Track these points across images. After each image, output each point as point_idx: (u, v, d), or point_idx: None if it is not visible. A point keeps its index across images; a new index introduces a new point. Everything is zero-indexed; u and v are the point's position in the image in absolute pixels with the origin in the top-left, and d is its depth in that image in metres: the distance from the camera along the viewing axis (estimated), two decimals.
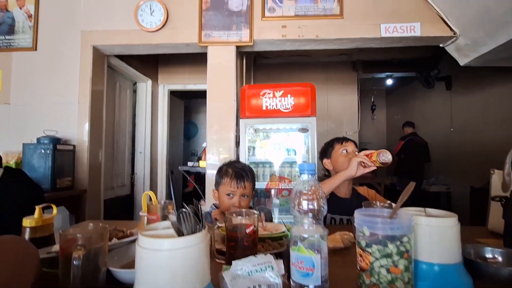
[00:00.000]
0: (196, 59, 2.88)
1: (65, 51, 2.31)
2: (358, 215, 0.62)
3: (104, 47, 2.35)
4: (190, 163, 2.64)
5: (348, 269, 0.66)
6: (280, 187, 2.30)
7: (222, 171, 1.22)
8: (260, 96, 2.21)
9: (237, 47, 2.28)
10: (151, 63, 3.37)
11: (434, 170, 4.00)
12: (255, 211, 0.71)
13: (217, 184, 1.22)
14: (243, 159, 2.21)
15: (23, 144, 2.04)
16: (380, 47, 2.40)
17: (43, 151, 2.01)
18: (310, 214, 0.58)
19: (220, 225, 0.81)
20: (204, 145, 2.61)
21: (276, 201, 2.41)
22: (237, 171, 1.18)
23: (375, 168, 1.10)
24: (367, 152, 1.12)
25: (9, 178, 1.34)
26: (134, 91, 3.32)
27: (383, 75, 4.52)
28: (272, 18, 2.26)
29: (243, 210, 0.74)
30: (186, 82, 3.52)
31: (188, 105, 4.97)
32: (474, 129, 3.35)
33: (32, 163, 1.99)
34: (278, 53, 3.43)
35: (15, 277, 0.45)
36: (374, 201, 1.09)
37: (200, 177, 3.31)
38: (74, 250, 0.50)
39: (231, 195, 1.16)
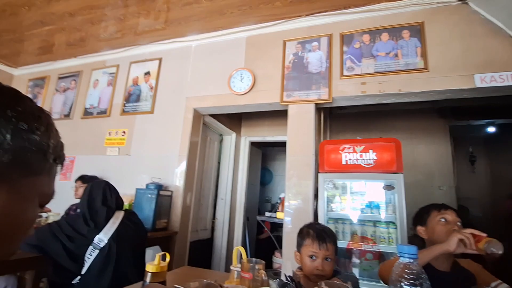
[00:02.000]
0: (274, 114, 3.13)
1: (173, 113, 2.84)
2: None
3: (201, 108, 2.80)
4: (267, 214, 2.71)
5: None
6: (363, 249, 2.12)
7: (303, 233, 1.24)
8: (340, 151, 2.22)
9: (316, 104, 2.41)
10: (236, 119, 3.79)
11: None
12: (347, 285, 0.71)
13: (299, 246, 1.24)
14: (322, 213, 2.17)
15: (136, 188, 2.49)
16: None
17: (149, 195, 2.40)
18: None
19: None
20: (282, 195, 2.67)
21: (356, 261, 2.21)
22: (318, 232, 1.19)
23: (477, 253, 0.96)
24: (475, 232, 0.99)
25: (127, 219, 1.64)
26: (220, 142, 3.73)
27: (481, 122, 3.95)
28: (351, 77, 2.35)
29: (335, 282, 0.74)
30: (265, 134, 3.79)
31: (265, 152, 5.25)
32: None
33: (141, 205, 2.39)
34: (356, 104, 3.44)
35: None
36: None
37: (277, 227, 3.33)
38: None
39: (313, 257, 1.15)
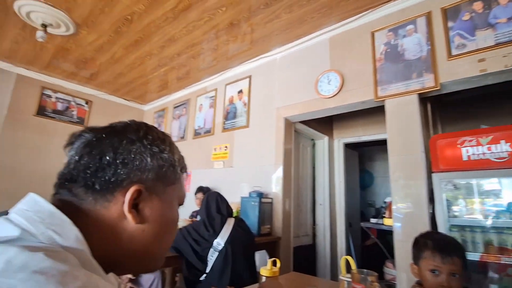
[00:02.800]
0: (368, 112, 2.90)
1: (265, 124, 3.02)
2: None
3: (291, 117, 2.88)
4: (372, 220, 2.52)
5: None
6: (502, 262, 1.71)
7: (420, 244, 1.10)
8: (458, 145, 1.87)
9: (419, 94, 2.12)
10: (327, 122, 3.71)
11: None
12: None
13: (416, 258, 1.11)
14: (441, 220, 1.87)
15: (241, 197, 2.75)
16: None
17: (252, 203, 2.60)
18: None
19: None
20: (388, 199, 2.45)
21: (494, 275, 1.79)
22: (439, 243, 1.04)
23: None
24: None
25: (238, 226, 1.83)
26: (313, 147, 3.72)
27: None
28: (463, 55, 1.97)
29: None
30: (360, 134, 3.56)
31: (362, 153, 4.90)
32: None
33: (246, 212, 2.62)
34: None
35: None
36: None
37: (383, 233, 3.04)
38: None
39: (436, 272, 1.01)
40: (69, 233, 0.38)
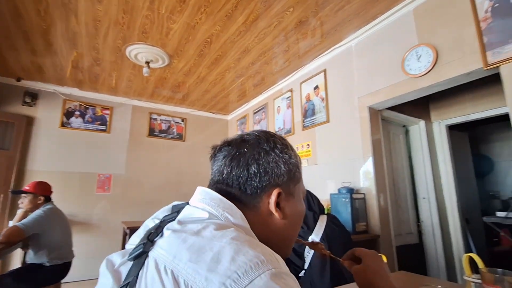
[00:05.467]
0: (476, 84, 2.41)
1: (347, 117, 2.87)
2: None
3: (376, 104, 2.65)
4: (499, 214, 2.07)
5: None
6: None
7: None
8: None
9: None
10: (421, 104, 3.26)
11: None
12: None
13: None
14: None
15: (330, 194, 2.67)
16: None
17: (343, 199, 2.49)
18: None
19: None
20: None
21: None
22: None
23: None
24: None
25: (331, 223, 1.78)
26: (406, 134, 3.31)
27: None
28: None
29: None
30: (468, 112, 2.98)
31: (473, 135, 4.08)
32: None
33: (337, 209, 2.53)
34: None
35: None
36: None
37: None
38: None
39: None
40: (236, 214, 0.52)
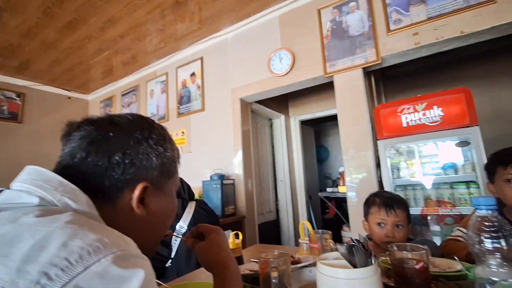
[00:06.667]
0: (321, 88, 3.03)
1: (221, 107, 2.98)
2: None
3: (247, 97, 2.88)
4: (328, 189, 2.70)
5: None
6: (440, 213, 1.97)
7: (369, 201, 1.21)
8: (398, 113, 2.05)
9: (364, 68, 2.26)
10: (283, 101, 3.79)
11: None
12: (421, 246, 0.69)
13: (366, 214, 1.22)
14: (387, 181, 2.07)
15: (202, 181, 2.72)
16: None
17: (214, 185, 2.60)
18: (498, 254, 0.52)
19: (382, 257, 0.82)
20: (341, 169, 2.62)
21: (436, 228, 2.06)
22: (385, 199, 1.15)
23: None
24: None
25: (200, 208, 1.82)
26: (271, 127, 3.79)
27: None
28: (400, 30, 2.12)
29: (407, 244, 0.73)
30: (314, 110, 3.71)
31: (317, 129, 5.13)
32: None
33: (209, 196, 2.61)
34: (410, 59, 3.09)
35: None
36: None
37: (340, 202, 3.28)
38: (271, 270, 0.66)
39: (382, 225, 1.13)
40: (81, 199, 0.43)
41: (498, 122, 3.12)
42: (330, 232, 0.98)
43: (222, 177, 2.66)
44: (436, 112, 1.92)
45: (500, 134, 3.03)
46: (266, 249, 1.36)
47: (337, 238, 1.87)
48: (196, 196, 2.75)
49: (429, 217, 2.06)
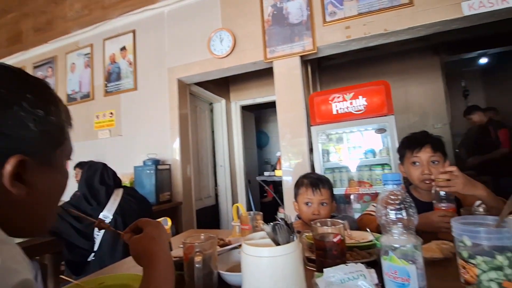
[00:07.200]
0: (262, 74, 3.04)
1: (157, 87, 2.76)
2: (456, 224, 0.58)
3: (185, 78, 2.72)
4: (266, 173, 2.77)
5: (451, 282, 0.62)
6: (360, 192, 2.20)
7: (298, 183, 1.28)
8: (329, 101, 2.19)
9: (301, 56, 2.33)
10: (224, 85, 3.70)
11: None
12: (339, 221, 0.74)
13: (296, 195, 1.28)
14: (318, 165, 2.22)
15: (134, 166, 2.51)
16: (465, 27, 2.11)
17: (148, 171, 2.43)
18: (400, 224, 0.58)
19: (306, 234, 0.86)
20: (278, 154, 2.71)
21: (357, 206, 2.31)
22: (312, 180, 1.23)
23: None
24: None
25: (127, 196, 1.67)
26: (211, 111, 3.69)
27: (474, 54, 3.87)
28: (334, 22, 2.24)
29: (328, 220, 0.77)
30: (254, 96, 3.73)
31: (258, 115, 5.22)
32: None
33: (141, 182, 2.43)
34: (344, 53, 3.33)
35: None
36: (474, 205, 0.95)
37: (277, 186, 3.42)
38: (195, 255, 0.62)
39: (309, 204, 1.20)
40: None
41: (409, 113, 3.62)
42: (261, 213, 0.99)
43: (157, 162, 2.49)
44: (361, 102, 2.11)
45: (409, 124, 3.54)
46: (198, 233, 1.32)
47: (273, 220, 1.95)
48: (127, 183, 2.54)
49: (352, 196, 2.30)
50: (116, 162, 2.77)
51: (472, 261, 0.54)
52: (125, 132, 2.87)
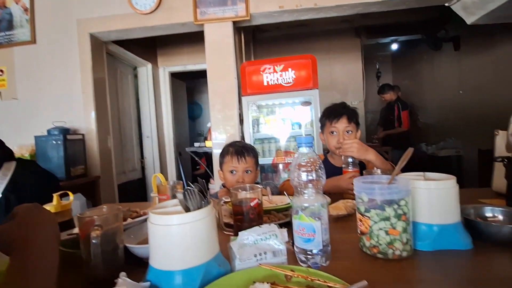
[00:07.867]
0: (194, 39, 2.83)
1: (63, 42, 2.30)
2: (357, 183, 0.64)
3: (101, 34, 2.32)
4: (196, 144, 2.69)
5: (350, 234, 0.69)
6: (286, 161, 2.33)
7: (224, 151, 1.25)
8: (261, 72, 2.18)
9: (234, 22, 2.22)
10: (150, 47, 3.33)
11: (444, 134, 3.94)
12: (258, 185, 0.74)
13: (221, 164, 1.26)
14: (248, 136, 2.24)
15: (34, 136, 2.11)
16: (383, 11, 2.30)
17: (54, 142, 2.07)
18: (310, 185, 0.61)
19: (227, 200, 0.85)
20: (209, 125, 2.63)
21: (284, 175, 2.45)
22: (237, 148, 1.22)
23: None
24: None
25: (22, 170, 1.40)
26: (135, 76, 3.31)
27: (388, 39, 4.34)
28: None
29: (247, 185, 0.77)
30: (185, 63, 3.48)
31: (191, 86, 4.94)
32: (485, 90, 3.24)
33: (45, 154, 2.07)
34: (277, 26, 3.32)
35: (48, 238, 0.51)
36: (374, 169, 1.09)
37: (211, 158, 3.38)
38: (92, 230, 0.54)
39: (234, 172, 1.20)
40: None
41: (333, 90, 3.93)
42: (181, 182, 0.94)
43: (65, 131, 2.14)
44: (290, 74, 2.16)
45: (333, 100, 3.80)
46: (101, 207, 1.20)
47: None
48: (27, 156, 2.14)
49: (280, 166, 2.42)
50: (11, 132, 2.32)
51: (367, 214, 0.61)
52: (22, 95, 2.36)
